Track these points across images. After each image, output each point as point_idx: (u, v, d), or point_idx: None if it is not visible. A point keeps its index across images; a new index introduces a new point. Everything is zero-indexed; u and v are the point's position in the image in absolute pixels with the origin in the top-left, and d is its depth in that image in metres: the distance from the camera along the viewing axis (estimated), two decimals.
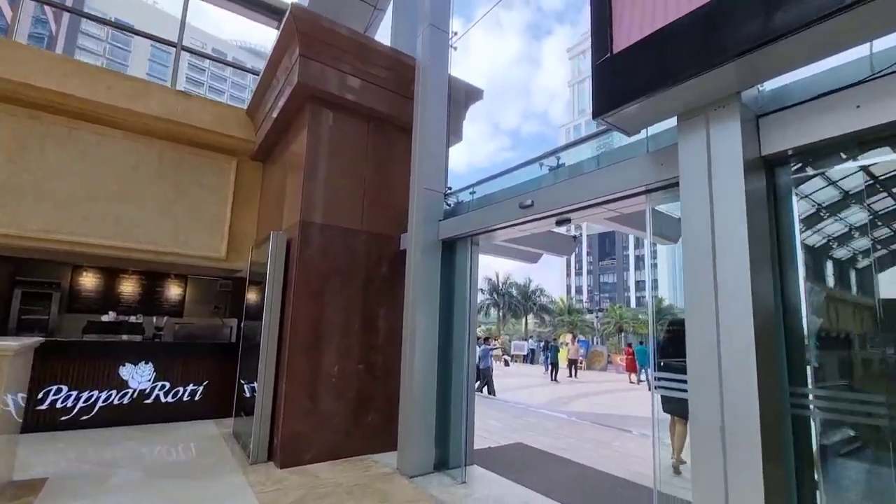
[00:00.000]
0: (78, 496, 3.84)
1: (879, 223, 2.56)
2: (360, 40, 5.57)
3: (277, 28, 5.84)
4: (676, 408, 5.61)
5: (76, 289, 8.07)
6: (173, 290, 8.51)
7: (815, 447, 2.49)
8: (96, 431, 5.79)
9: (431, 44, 5.36)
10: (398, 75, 5.84)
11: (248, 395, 5.59)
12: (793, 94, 2.52)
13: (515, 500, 4.08)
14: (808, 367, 2.57)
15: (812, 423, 2.48)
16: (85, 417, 5.91)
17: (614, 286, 74.06)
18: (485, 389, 11.88)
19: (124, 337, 7.38)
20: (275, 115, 5.94)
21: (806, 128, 2.35)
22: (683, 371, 3.36)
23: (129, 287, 8.24)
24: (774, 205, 2.62)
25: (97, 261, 7.64)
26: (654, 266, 70.20)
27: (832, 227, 2.77)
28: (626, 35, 2.71)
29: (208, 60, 76.35)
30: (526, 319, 45.81)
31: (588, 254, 77.08)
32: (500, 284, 44.21)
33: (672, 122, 3.11)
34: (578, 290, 76.82)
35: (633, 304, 61.50)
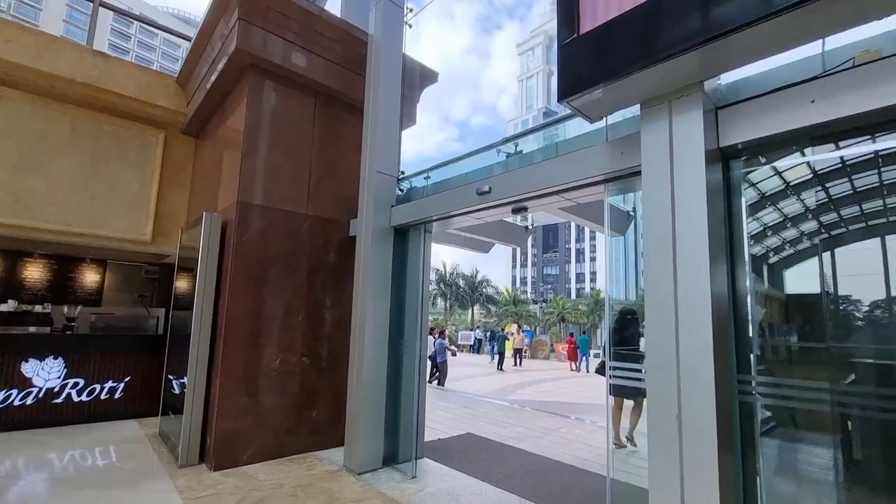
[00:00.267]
0: None
1: (813, 219, 2.66)
2: (308, 8, 5.16)
3: None
4: (630, 391, 5.87)
5: None
6: (89, 277, 7.63)
7: (757, 433, 2.57)
8: None
9: (385, 18, 5.07)
10: (349, 49, 5.49)
11: (177, 391, 5.11)
12: (750, 87, 2.55)
13: (467, 493, 4.00)
14: (752, 356, 2.65)
15: (755, 409, 2.57)
16: None
17: (557, 278, 76.97)
18: (434, 381, 11.82)
19: (31, 329, 6.52)
20: (209, 84, 5.39)
21: (764, 120, 2.37)
22: (634, 360, 3.41)
23: (34, 272, 7.27)
24: (727, 197, 2.66)
25: None
26: (594, 259, 73.61)
27: (775, 220, 2.86)
28: (592, 16, 2.62)
29: (135, 24, 69.47)
30: (472, 310, 46.44)
31: (532, 246, 79.41)
32: (448, 275, 44.43)
33: (632, 111, 3.10)
34: (523, 282, 79.14)
35: (573, 295, 64.24)
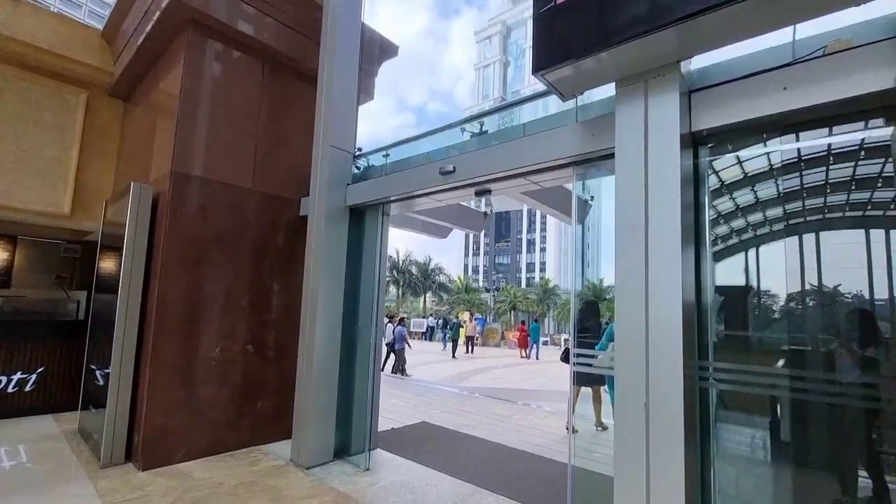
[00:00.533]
0: None
1: (759, 212, 2.69)
2: None
3: None
4: (593, 379, 5.96)
5: None
6: None
7: (713, 418, 2.59)
8: None
9: None
10: (302, 12, 5.06)
11: (100, 383, 4.58)
12: (721, 73, 2.50)
13: (423, 484, 3.86)
14: (710, 343, 2.66)
15: (711, 395, 2.58)
16: None
17: (508, 267, 78.51)
18: (390, 369, 11.57)
19: None
20: (140, 40, 4.80)
21: (738, 106, 2.33)
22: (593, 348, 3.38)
23: None
24: (695, 184, 2.62)
25: None
26: (544, 250, 75.71)
27: (727, 209, 2.87)
28: None
29: None
30: (425, 297, 46.40)
31: (485, 235, 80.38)
32: (401, 262, 44.03)
33: (604, 92, 3.01)
34: (475, 270, 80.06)
35: (523, 284, 65.83)
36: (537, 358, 19.53)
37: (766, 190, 2.60)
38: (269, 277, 4.92)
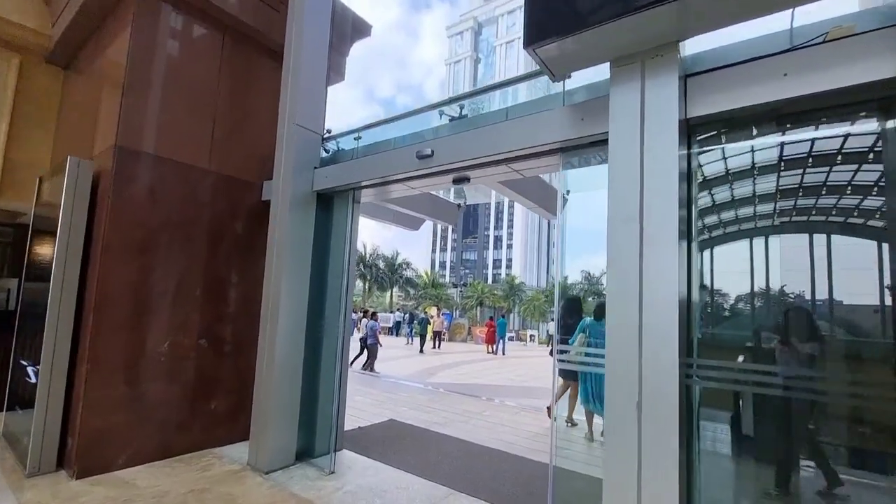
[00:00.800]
0: None
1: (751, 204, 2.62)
2: None
3: None
4: (569, 374, 5.88)
5: None
6: None
7: (696, 416, 2.50)
8: None
9: None
10: None
11: (31, 380, 4.09)
12: (716, 59, 2.39)
13: (393, 488, 3.64)
14: (695, 339, 2.57)
15: (695, 393, 2.49)
16: None
17: (475, 263, 78.96)
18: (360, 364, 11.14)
19: None
20: (82, 1, 4.29)
21: (736, 92, 2.20)
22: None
23: None
24: (687, 175, 2.51)
25: None
26: (511, 247, 76.56)
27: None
28: None
29: None
30: (391, 292, 45.91)
31: (453, 231, 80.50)
32: (368, 255, 43.33)
33: (594, 76, 2.86)
34: (442, 265, 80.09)
35: (489, 280, 66.34)
36: (504, 353, 19.61)
37: (764, 184, 2.51)
38: (227, 266, 4.54)
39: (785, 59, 2.14)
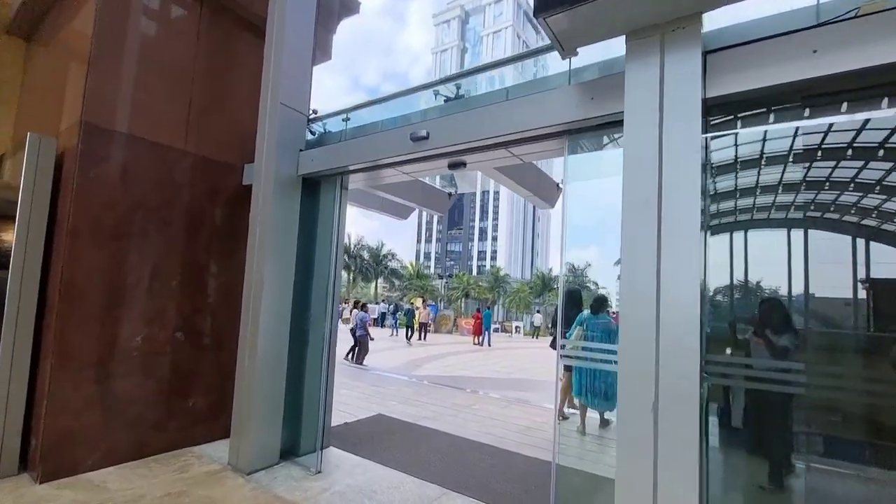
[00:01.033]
0: None
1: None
2: None
3: None
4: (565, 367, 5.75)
5: None
6: None
7: (705, 415, 2.39)
8: None
9: None
10: None
11: None
12: (740, 35, 2.23)
13: (383, 487, 3.47)
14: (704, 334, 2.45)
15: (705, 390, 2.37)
16: None
17: (460, 254, 79.01)
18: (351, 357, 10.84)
19: None
20: None
21: (761, 70, 2.05)
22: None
23: None
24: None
25: None
26: (496, 238, 76.68)
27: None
28: None
29: None
30: (376, 283, 45.56)
31: (438, 222, 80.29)
32: (353, 246, 42.84)
33: (602, 55, 2.69)
34: (427, 257, 79.92)
35: (474, 271, 66.45)
36: (489, 345, 19.59)
37: (782, 174, 2.37)
38: (206, 255, 4.27)
39: (814, 34, 1.99)
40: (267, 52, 3.99)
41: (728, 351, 2.37)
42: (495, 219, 77.45)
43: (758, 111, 2.20)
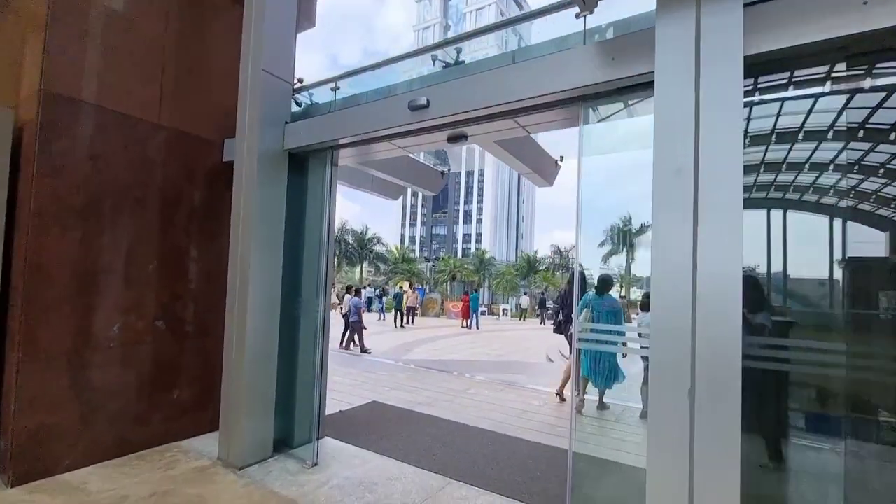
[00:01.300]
0: None
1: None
2: None
3: None
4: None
5: None
6: None
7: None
8: None
9: None
10: None
11: None
12: None
13: (384, 479, 3.30)
14: None
15: None
16: None
17: (445, 238, 78.78)
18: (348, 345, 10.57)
19: None
20: None
21: (805, 24, 1.86)
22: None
23: None
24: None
25: None
26: (480, 221, 76.57)
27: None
28: None
29: None
30: (361, 267, 45.12)
31: (422, 205, 79.71)
32: (337, 230, 42.17)
33: (618, 14, 2.47)
34: (412, 240, 79.48)
35: (459, 254, 66.39)
36: (478, 328, 19.58)
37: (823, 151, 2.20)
38: (185, 237, 3.98)
39: None
40: (247, 14, 3.65)
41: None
42: (480, 201, 77.18)
43: (800, 73, 2.03)
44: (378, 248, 45.95)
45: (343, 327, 10.56)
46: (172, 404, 3.89)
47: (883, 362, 1.93)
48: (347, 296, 11.26)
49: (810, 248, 2.14)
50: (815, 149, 2.14)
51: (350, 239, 43.46)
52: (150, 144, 3.70)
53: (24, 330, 3.09)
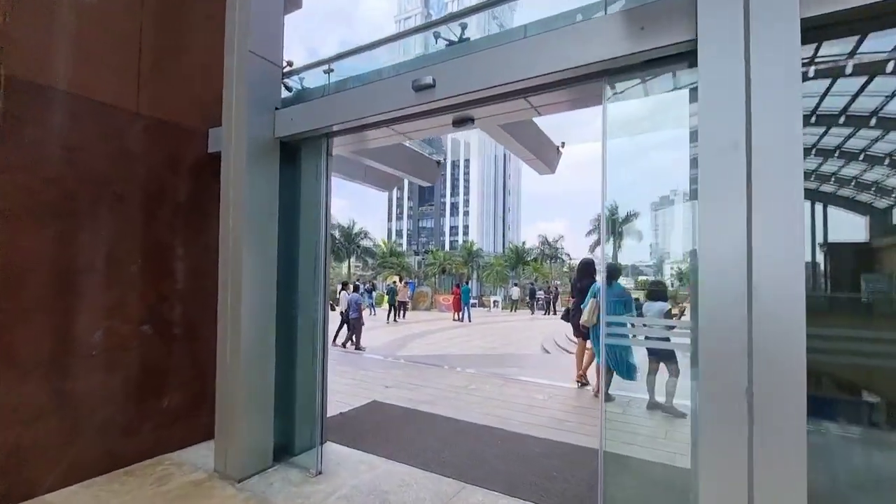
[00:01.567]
0: None
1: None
2: None
3: None
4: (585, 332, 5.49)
5: None
6: None
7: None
8: None
9: None
10: None
11: None
12: None
13: (395, 485, 3.11)
14: None
15: None
16: None
17: (432, 231, 78.48)
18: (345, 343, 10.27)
19: None
20: None
21: None
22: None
23: None
24: None
25: None
26: (467, 213, 76.40)
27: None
28: None
29: None
30: (349, 262, 44.67)
31: (409, 199, 79.20)
32: None
33: None
34: (399, 234, 79.02)
35: (447, 247, 66.24)
36: (470, 320, 19.46)
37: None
38: (170, 234, 3.70)
39: None
40: None
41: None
42: (466, 194, 76.97)
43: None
44: (365, 243, 45.53)
45: (339, 324, 10.28)
46: (163, 413, 3.63)
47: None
48: (344, 292, 10.97)
49: None
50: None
51: (337, 234, 42.93)
52: (128, 134, 3.41)
53: None
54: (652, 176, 3.81)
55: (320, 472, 3.26)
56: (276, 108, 3.47)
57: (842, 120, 2.02)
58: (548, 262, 42.73)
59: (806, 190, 1.58)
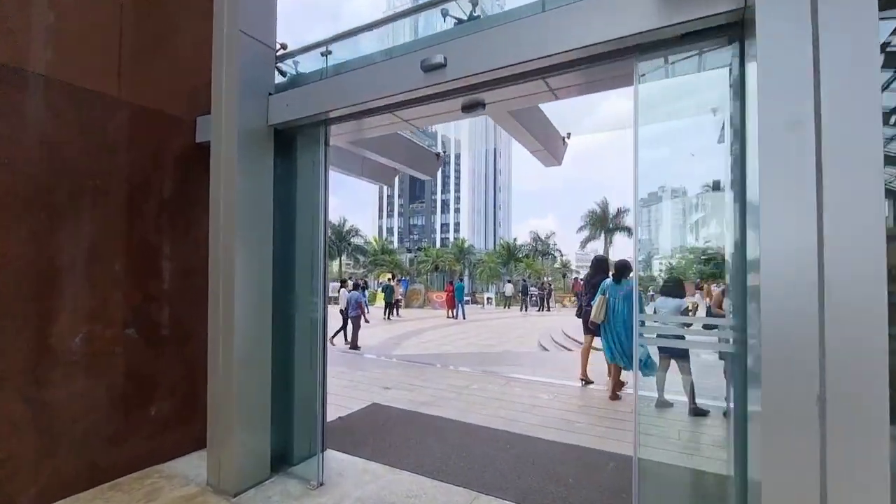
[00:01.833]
0: None
1: None
2: None
3: None
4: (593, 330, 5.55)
5: None
6: None
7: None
8: None
9: None
10: None
11: None
12: None
13: (403, 497, 2.90)
14: None
15: None
16: None
17: (423, 228, 78.22)
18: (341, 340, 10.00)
19: None
20: None
21: None
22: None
23: None
24: None
25: None
26: (458, 210, 76.21)
27: None
28: None
29: None
30: (340, 260, 44.20)
31: (399, 196, 78.84)
32: None
33: None
34: (390, 232, 78.62)
35: (438, 244, 66.02)
36: (464, 318, 19.28)
37: None
38: (156, 230, 3.45)
39: None
40: None
41: None
42: (457, 191, 76.77)
43: None
44: (356, 241, 45.10)
45: (342, 324, 10.07)
46: (151, 422, 3.39)
47: None
48: (343, 290, 10.69)
49: None
50: None
51: (328, 232, 42.48)
52: (109, 123, 3.14)
53: None
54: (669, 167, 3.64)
55: (322, 484, 3.05)
56: (270, 94, 3.22)
57: None
58: (540, 258, 42.68)
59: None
